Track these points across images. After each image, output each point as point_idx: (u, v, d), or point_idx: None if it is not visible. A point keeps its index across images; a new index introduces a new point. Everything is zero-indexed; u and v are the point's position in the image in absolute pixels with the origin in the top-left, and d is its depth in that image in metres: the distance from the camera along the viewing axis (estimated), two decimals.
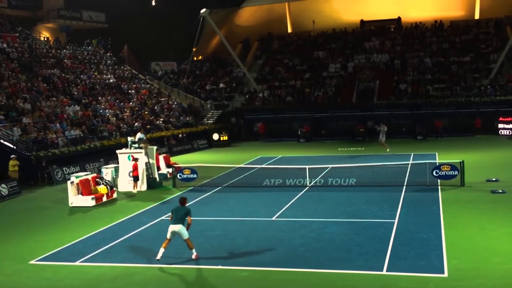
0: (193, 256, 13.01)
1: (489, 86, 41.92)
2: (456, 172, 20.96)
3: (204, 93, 49.72)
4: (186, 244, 12.97)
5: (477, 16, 53.03)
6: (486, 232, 14.47)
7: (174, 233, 12.92)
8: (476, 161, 26.94)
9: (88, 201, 20.54)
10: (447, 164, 21.42)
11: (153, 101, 43.85)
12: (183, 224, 12.87)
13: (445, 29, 51.73)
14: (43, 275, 12.62)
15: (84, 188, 20.90)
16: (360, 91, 45.15)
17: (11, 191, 23.26)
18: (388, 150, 31.55)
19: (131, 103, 40.88)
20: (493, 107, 40.20)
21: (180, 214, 12.95)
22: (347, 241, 14.19)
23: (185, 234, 12.90)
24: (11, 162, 24.91)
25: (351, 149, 34.35)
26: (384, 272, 11.73)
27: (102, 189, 21.43)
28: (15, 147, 26.62)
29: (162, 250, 12.99)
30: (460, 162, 21.25)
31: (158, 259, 12.89)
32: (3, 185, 23.08)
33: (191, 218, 13.02)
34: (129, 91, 43.51)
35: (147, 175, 23.83)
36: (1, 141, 26.69)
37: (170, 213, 13.27)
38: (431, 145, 35.63)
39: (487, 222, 15.48)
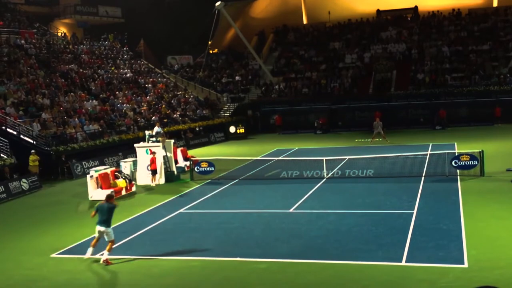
0: (102, 259, 12.64)
1: (508, 75, 41.28)
2: (476, 162, 20.75)
3: (220, 86, 49.79)
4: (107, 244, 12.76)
5: (495, 4, 52.22)
6: (506, 222, 14.31)
7: (100, 233, 12.86)
8: (496, 151, 26.60)
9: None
10: (466, 154, 21.21)
11: (170, 95, 44.04)
12: (109, 225, 12.74)
13: (463, 17, 50.98)
14: (64, 268, 12.80)
15: (104, 182, 21.14)
16: (377, 81, 44.81)
17: (31, 185, 23.62)
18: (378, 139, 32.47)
19: (148, 97, 41.11)
20: None
21: (104, 215, 12.74)
22: (365, 233, 14.13)
23: (111, 236, 12.77)
24: (31, 157, 25.26)
25: (369, 140, 34.13)
26: (403, 263, 11.66)
27: (121, 182, 21.65)
28: (35, 142, 27.01)
29: (90, 249, 12.94)
30: (480, 151, 21.00)
31: (85, 258, 12.91)
32: (24, 180, 23.43)
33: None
34: (146, 85, 43.74)
35: (165, 169, 23.98)
36: (21, 136, 27.09)
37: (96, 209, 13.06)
38: (449, 135, 35.24)
39: (507, 212, 15.31)
